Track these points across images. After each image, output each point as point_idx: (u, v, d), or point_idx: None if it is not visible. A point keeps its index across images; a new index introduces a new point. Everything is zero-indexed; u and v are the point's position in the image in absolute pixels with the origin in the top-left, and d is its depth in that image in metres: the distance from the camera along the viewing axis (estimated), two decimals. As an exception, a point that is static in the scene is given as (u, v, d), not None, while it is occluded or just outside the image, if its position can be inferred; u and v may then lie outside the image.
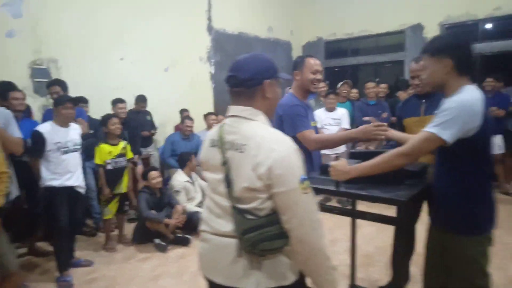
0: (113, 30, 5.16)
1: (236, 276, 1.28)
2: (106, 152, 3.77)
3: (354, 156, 2.26)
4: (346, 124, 4.95)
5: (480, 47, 6.51)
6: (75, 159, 3.33)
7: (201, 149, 1.48)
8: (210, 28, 6.54)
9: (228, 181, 1.28)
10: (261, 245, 1.23)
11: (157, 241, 3.85)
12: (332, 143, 2.33)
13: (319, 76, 2.36)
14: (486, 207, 1.69)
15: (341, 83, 5.80)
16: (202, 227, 1.42)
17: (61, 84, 4.00)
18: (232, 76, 1.32)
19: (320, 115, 5.00)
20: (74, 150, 3.31)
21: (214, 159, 1.35)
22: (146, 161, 5.20)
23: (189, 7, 6.16)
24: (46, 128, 3.15)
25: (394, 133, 2.23)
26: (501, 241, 3.73)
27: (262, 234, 1.23)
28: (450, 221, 1.76)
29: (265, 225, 1.24)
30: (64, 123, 3.23)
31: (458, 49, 1.64)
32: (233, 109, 1.35)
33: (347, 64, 8.27)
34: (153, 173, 4.02)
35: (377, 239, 3.82)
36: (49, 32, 4.55)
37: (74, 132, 3.35)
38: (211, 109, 6.26)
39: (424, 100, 2.49)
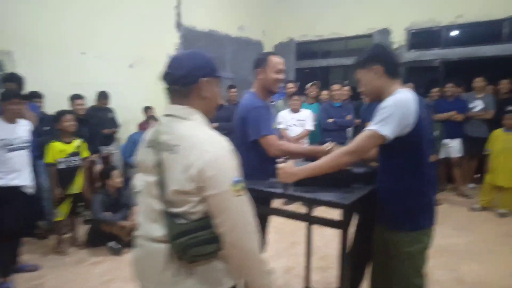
0: (74, 23, 4.96)
1: (166, 283, 1.24)
2: (58, 151, 3.58)
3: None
4: (310, 125, 4.96)
5: (443, 53, 6.71)
6: (23, 157, 3.16)
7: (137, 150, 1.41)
8: (179, 25, 6.41)
9: (161, 184, 1.22)
10: (192, 250, 1.19)
11: (111, 244, 3.71)
12: (294, 155, 2.21)
13: (282, 76, 2.26)
14: (423, 204, 1.75)
15: (309, 84, 5.82)
16: (137, 232, 1.36)
17: (17, 80, 3.81)
18: (167, 73, 1.28)
19: (285, 116, 4.99)
20: (22, 148, 3.14)
21: (149, 160, 1.29)
22: (106, 160, 5.03)
23: (157, 2, 6.00)
24: None
25: None
26: (453, 242, 3.86)
27: (194, 238, 1.19)
28: (389, 218, 1.82)
29: (196, 229, 1.20)
30: (10, 119, 3.06)
31: (385, 55, 1.75)
32: (169, 108, 1.30)
33: (318, 66, 8.33)
34: (116, 173, 3.87)
35: (338, 241, 3.83)
36: (3, 23, 4.31)
37: (22, 129, 3.18)
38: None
39: None
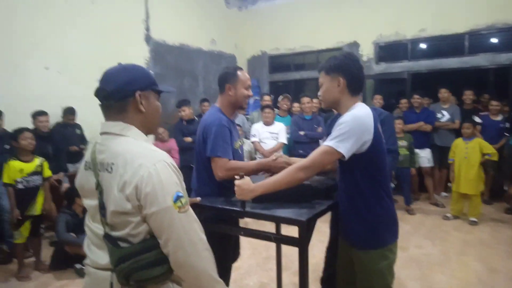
0: (37, 37, 4.79)
1: None
2: (16, 170, 3.41)
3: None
4: (283, 138, 4.97)
5: (410, 65, 6.93)
6: (-22, 178, 2.99)
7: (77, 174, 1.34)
8: (148, 39, 6.34)
9: (101, 206, 1.16)
10: (136, 275, 1.12)
11: (78, 266, 3.54)
12: (244, 171, 2.04)
13: (251, 92, 2.22)
14: (384, 220, 1.72)
15: (281, 97, 5.86)
16: (85, 260, 1.28)
17: None
18: (99, 89, 1.22)
19: (258, 129, 4.98)
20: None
21: (88, 183, 1.23)
22: (73, 178, 4.82)
23: (125, 15, 5.91)
24: None
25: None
26: (425, 252, 3.91)
27: (137, 262, 1.11)
28: (351, 235, 1.79)
29: (140, 252, 1.13)
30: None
31: (351, 69, 1.71)
32: (104, 126, 1.24)
33: (292, 79, 8.42)
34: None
35: (310, 255, 3.80)
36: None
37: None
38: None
39: None
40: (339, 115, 2.64)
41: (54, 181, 4.20)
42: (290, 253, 3.80)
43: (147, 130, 1.28)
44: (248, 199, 1.75)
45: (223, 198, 2.00)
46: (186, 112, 5.43)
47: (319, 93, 1.82)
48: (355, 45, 7.39)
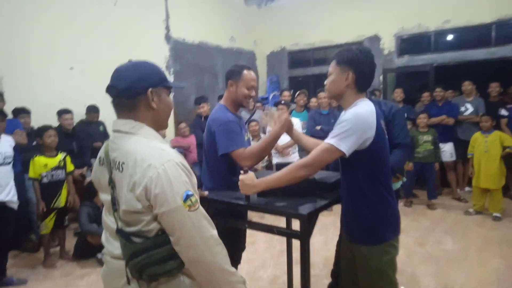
0: (62, 38, 5.01)
1: None
2: (41, 165, 3.60)
3: (280, 167, 2.24)
4: (298, 133, 4.96)
5: (433, 58, 6.73)
6: (6, 172, 3.19)
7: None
8: (168, 38, 6.48)
9: (114, 202, 1.20)
10: (149, 270, 1.15)
11: (99, 255, 3.71)
12: (264, 150, 2.13)
13: (253, 93, 2.22)
14: (385, 217, 1.71)
15: (298, 92, 5.86)
16: (104, 249, 1.34)
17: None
18: (110, 87, 1.22)
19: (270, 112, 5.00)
20: (5, 163, 3.17)
21: (103, 178, 1.26)
22: (96, 173, 5.03)
23: (146, 16, 6.07)
24: None
25: (304, 138, 2.23)
26: (444, 248, 3.82)
27: (150, 257, 1.14)
28: (352, 231, 1.79)
29: (152, 247, 1.15)
30: (-7, 136, 3.09)
31: (362, 66, 1.68)
32: (115, 123, 1.26)
33: (311, 74, 8.36)
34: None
35: (324, 249, 3.81)
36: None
37: (5, 145, 3.21)
38: (171, 119, 6.16)
39: None
40: None
41: (78, 175, 4.40)
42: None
43: (158, 126, 1.28)
44: (250, 194, 1.79)
45: (229, 192, 2.05)
46: (205, 108, 5.52)
47: (325, 82, 1.79)
48: (376, 38, 7.25)
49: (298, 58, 8.47)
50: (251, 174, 1.79)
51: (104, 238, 1.34)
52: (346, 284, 1.94)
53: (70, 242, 4.04)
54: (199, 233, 1.15)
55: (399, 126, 2.44)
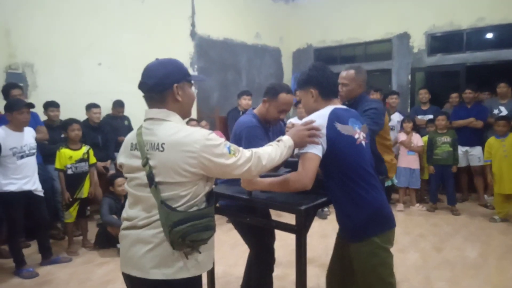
0: (91, 35, 5.22)
1: (147, 267, 1.37)
2: (66, 157, 3.81)
3: (288, 165, 2.26)
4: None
5: (465, 57, 6.45)
6: (32, 163, 3.40)
7: (119, 153, 1.56)
8: (193, 34, 6.59)
9: (151, 179, 1.36)
10: (191, 236, 1.35)
11: (118, 246, 3.85)
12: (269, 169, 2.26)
13: (283, 116, 2.33)
14: (369, 213, 1.72)
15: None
16: (123, 225, 1.49)
17: (20, 87, 4.04)
18: (141, 83, 1.44)
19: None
20: (30, 154, 3.37)
21: (135, 161, 1.44)
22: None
23: (172, 13, 6.21)
24: (0, 134, 3.20)
25: None
26: (462, 255, 3.71)
27: (193, 226, 1.35)
28: (340, 229, 1.91)
29: (195, 218, 1.36)
30: (19, 128, 3.29)
31: (318, 79, 1.82)
32: (149, 112, 1.46)
33: (337, 72, 8.21)
34: (119, 181, 3.98)
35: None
36: (23, 37, 4.62)
37: (29, 136, 3.41)
38: (194, 115, 6.28)
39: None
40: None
41: (102, 168, 4.60)
42: (320, 247, 3.85)
43: (183, 115, 1.49)
44: (249, 190, 1.92)
45: (234, 187, 2.15)
46: (247, 101, 5.55)
47: (300, 107, 1.97)
48: (406, 36, 7.03)
49: (324, 56, 8.35)
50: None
51: (124, 214, 1.48)
52: (333, 282, 2.06)
53: (93, 232, 4.24)
54: (254, 161, 1.48)
55: (368, 117, 2.47)
